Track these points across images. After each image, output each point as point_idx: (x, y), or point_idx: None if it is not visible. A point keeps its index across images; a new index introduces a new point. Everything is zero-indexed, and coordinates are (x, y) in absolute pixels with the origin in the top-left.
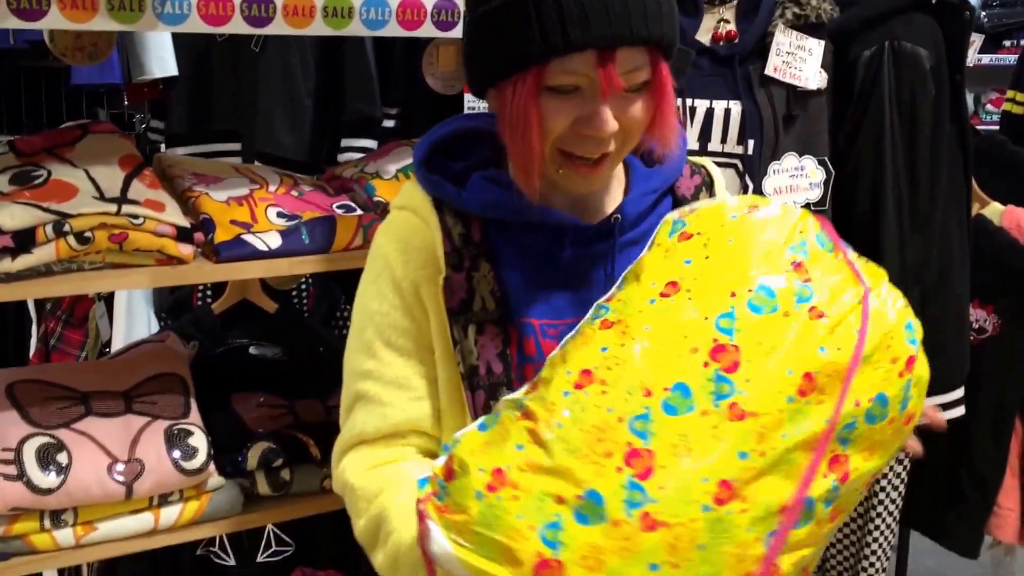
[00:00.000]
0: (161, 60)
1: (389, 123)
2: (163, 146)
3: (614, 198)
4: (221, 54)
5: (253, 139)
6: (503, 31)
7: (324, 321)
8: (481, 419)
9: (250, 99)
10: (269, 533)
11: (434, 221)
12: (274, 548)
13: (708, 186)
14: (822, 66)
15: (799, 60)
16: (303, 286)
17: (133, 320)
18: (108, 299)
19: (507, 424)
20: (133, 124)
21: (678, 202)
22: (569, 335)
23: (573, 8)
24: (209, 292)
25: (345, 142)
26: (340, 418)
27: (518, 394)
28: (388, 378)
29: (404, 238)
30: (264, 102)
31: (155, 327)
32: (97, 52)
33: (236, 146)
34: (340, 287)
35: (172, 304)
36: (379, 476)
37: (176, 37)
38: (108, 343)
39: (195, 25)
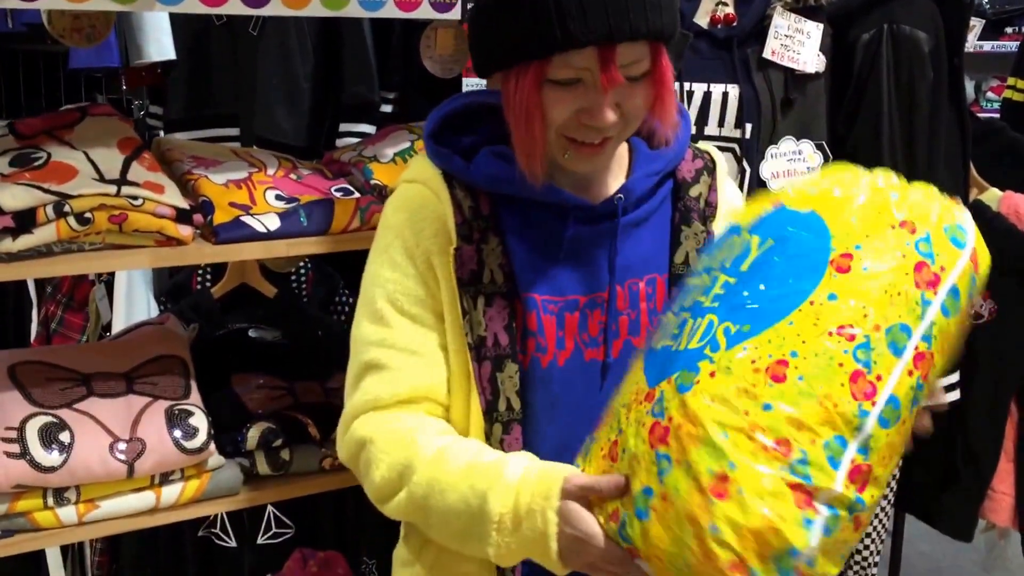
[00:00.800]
0: (159, 44)
1: (387, 107)
2: (162, 132)
3: (617, 179)
4: (219, 38)
5: (252, 124)
6: (505, 23)
7: (322, 306)
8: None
9: (248, 84)
10: (269, 515)
11: (445, 194)
12: (275, 530)
13: (710, 171)
14: (820, 49)
15: (797, 43)
16: (302, 271)
17: (133, 303)
18: (108, 282)
19: None
20: (131, 110)
21: (679, 185)
22: None
23: (571, 5)
24: (208, 276)
25: (343, 126)
26: (346, 390)
27: None
28: (401, 345)
29: (415, 209)
30: (262, 87)
31: (155, 311)
32: (95, 34)
33: (235, 131)
34: (339, 272)
35: (171, 288)
36: (395, 427)
37: (174, 21)
38: (108, 325)
39: (192, 5)
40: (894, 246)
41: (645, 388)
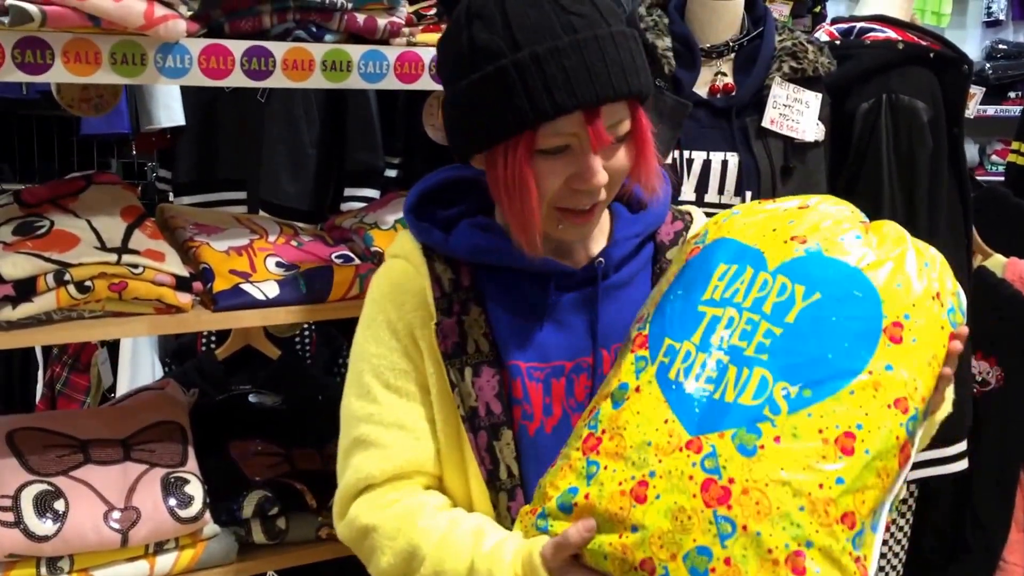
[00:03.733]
0: (168, 110)
1: (391, 172)
2: (171, 195)
3: (598, 243)
4: (227, 104)
5: (258, 188)
6: (488, 101)
7: (326, 368)
8: None
9: (255, 149)
10: None
11: (424, 268)
12: None
13: (688, 230)
14: (819, 118)
15: (796, 112)
16: (306, 333)
17: (138, 365)
18: (112, 345)
19: None
20: (145, 172)
21: (659, 248)
22: None
23: (557, 74)
24: (213, 338)
25: (348, 191)
26: (338, 465)
27: None
28: (388, 420)
29: (397, 283)
30: (268, 152)
31: (159, 373)
32: (103, 103)
33: (242, 195)
34: (342, 334)
35: (176, 350)
36: (396, 513)
37: (184, 87)
38: (111, 388)
39: (196, 79)
40: (935, 317)
41: (684, 434)
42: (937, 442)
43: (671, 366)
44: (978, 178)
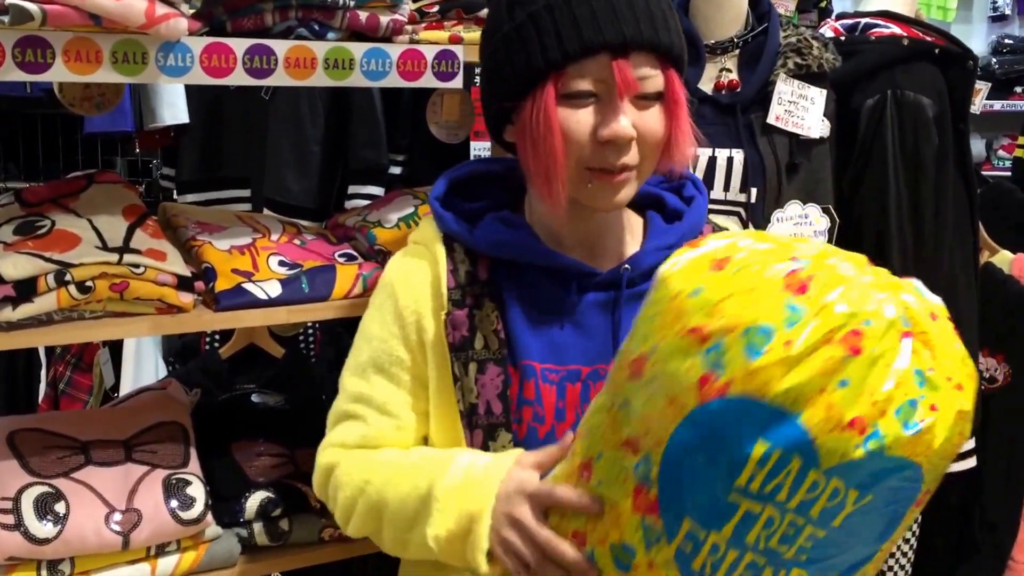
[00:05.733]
0: (173, 107)
1: (396, 170)
2: (175, 192)
3: (627, 248)
4: (231, 102)
5: (262, 186)
6: (519, 47)
7: (331, 367)
8: None
9: (259, 147)
10: None
11: (442, 256)
12: None
13: None
14: (825, 114)
15: (801, 109)
16: (310, 332)
17: (141, 365)
18: (115, 344)
19: None
20: (150, 170)
21: None
22: None
23: (585, 12)
24: (217, 337)
25: (352, 189)
26: (327, 424)
27: None
28: (376, 403)
29: (412, 270)
30: (273, 150)
31: (163, 372)
32: (105, 102)
33: (246, 192)
34: (347, 333)
35: (180, 349)
36: (360, 453)
37: (188, 86)
38: (114, 388)
39: (198, 77)
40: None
41: None
42: None
43: (695, 555)
44: (984, 173)
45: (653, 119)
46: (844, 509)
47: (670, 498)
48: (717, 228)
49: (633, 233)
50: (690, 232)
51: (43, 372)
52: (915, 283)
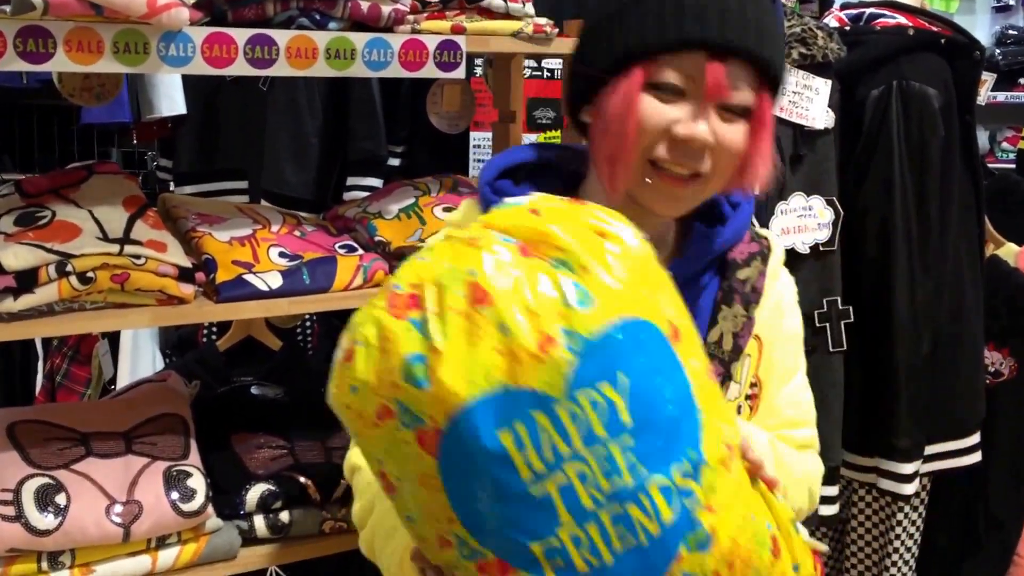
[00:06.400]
0: (170, 99)
1: (395, 161)
2: (171, 184)
3: (664, 256)
4: (229, 93)
5: (260, 178)
6: (619, 24)
7: (329, 359)
8: None
9: (257, 138)
10: (272, 573)
11: None
12: None
13: (764, 257)
14: (829, 105)
15: (806, 100)
16: (308, 325)
17: (138, 357)
18: (113, 336)
19: None
20: (145, 162)
21: (728, 265)
22: None
23: (692, 5)
24: (214, 330)
25: (351, 180)
26: None
27: None
28: None
29: None
30: (271, 141)
31: (160, 364)
32: (104, 93)
33: (243, 184)
34: (344, 326)
35: (177, 341)
36: None
37: (185, 77)
38: (112, 380)
39: (199, 67)
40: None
41: None
42: (950, 434)
43: (571, 561)
44: (988, 165)
45: (735, 133)
46: (617, 405)
47: (504, 548)
48: (757, 237)
49: (677, 235)
50: (731, 239)
51: (40, 364)
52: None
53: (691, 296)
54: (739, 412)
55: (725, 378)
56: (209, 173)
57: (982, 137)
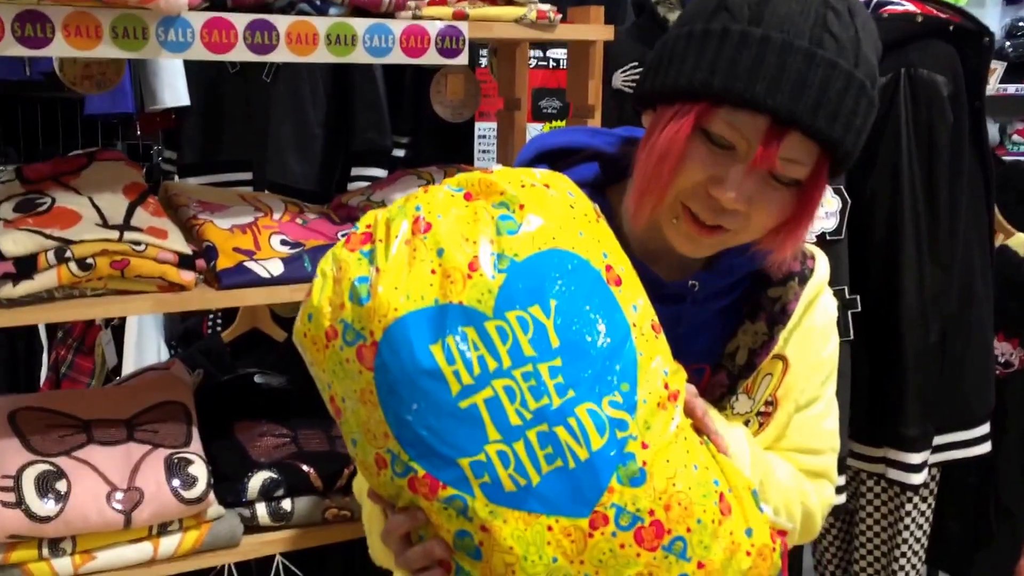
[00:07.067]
0: (173, 90)
1: (399, 152)
2: (176, 176)
3: (700, 262)
4: (233, 84)
5: (264, 169)
6: (698, 55)
7: None
8: None
9: (261, 129)
10: (278, 564)
11: None
12: None
13: (803, 280)
14: None
15: None
16: None
17: (143, 348)
18: (118, 328)
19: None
20: (151, 155)
21: (760, 280)
22: None
23: (771, 67)
24: (219, 321)
25: (355, 171)
26: None
27: None
28: None
29: None
30: (275, 132)
31: (165, 355)
32: (105, 81)
33: (248, 176)
34: None
35: (182, 333)
36: None
37: (189, 68)
38: (115, 370)
39: (199, 53)
40: (599, 228)
41: (581, 523)
42: (959, 424)
43: (498, 479)
44: (1001, 158)
45: (775, 203)
46: (546, 328)
47: (433, 463)
48: (803, 256)
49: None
50: (768, 256)
51: (44, 356)
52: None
53: (716, 310)
54: (747, 425)
55: (728, 391)
56: (213, 165)
57: (993, 129)
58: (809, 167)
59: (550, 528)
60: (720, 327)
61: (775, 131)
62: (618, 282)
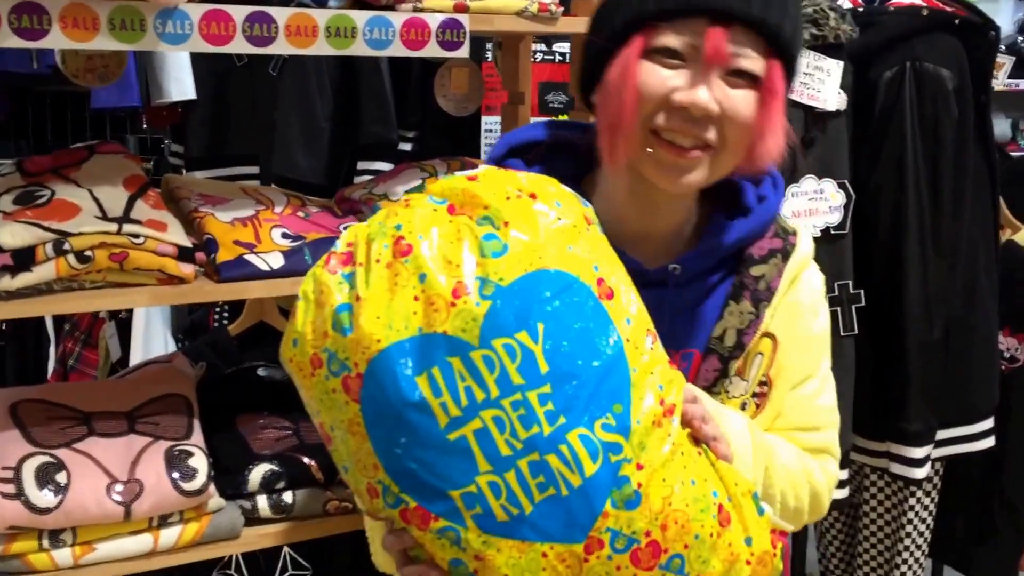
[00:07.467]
0: (180, 84)
1: (406, 146)
2: (184, 170)
3: (685, 244)
4: (239, 78)
5: (271, 163)
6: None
7: None
8: None
9: (268, 123)
10: (285, 556)
11: None
12: (291, 571)
13: (785, 255)
14: (841, 87)
15: (817, 81)
16: None
17: (150, 341)
18: (126, 320)
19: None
20: (161, 149)
21: (744, 260)
22: None
23: None
24: (226, 314)
25: (362, 165)
26: None
27: None
28: None
29: None
30: (281, 126)
31: (172, 348)
32: (108, 73)
33: (255, 169)
34: None
35: (189, 326)
36: None
37: (195, 61)
38: (122, 362)
39: (197, 45)
40: (593, 235)
41: (576, 549)
42: (963, 419)
43: (490, 510)
44: (1011, 154)
45: (743, 101)
46: (535, 354)
47: (423, 495)
48: (783, 232)
49: (695, 227)
50: (751, 234)
51: (52, 348)
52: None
53: (700, 293)
54: (744, 408)
55: (722, 374)
56: (220, 158)
57: (1004, 125)
58: (760, 60)
59: (544, 555)
60: (705, 311)
61: (716, 27)
62: (610, 295)
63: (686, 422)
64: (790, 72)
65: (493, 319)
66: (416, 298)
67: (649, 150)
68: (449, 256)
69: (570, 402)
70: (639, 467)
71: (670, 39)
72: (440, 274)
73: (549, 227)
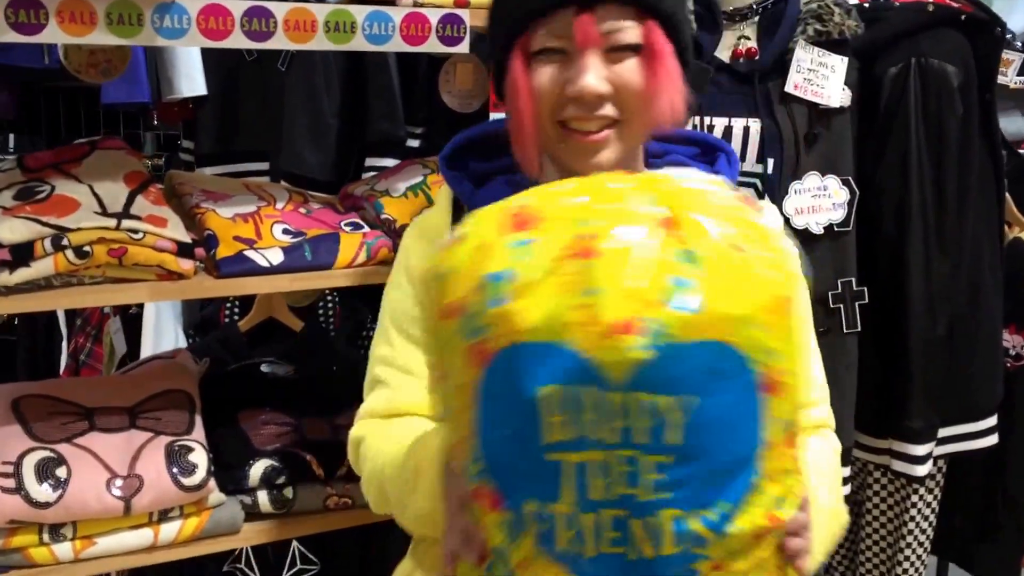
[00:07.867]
0: (191, 80)
1: (414, 142)
2: (195, 166)
3: None
4: (249, 74)
5: (280, 159)
6: (500, 6)
7: (350, 340)
8: None
9: (277, 119)
10: (294, 550)
11: (448, 218)
12: (299, 566)
13: None
14: (846, 83)
15: (821, 77)
16: (329, 305)
17: (161, 337)
18: (136, 315)
19: None
20: (177, 145)
21: None
22: None
23: None
24: (237, 310)
25: (369, 161)
26: (364, 394)
27: None
28: (398, 364)
29: (425, 230)
30: (289, 122)
31: (183, 343)
32: (111, 68)
33: (264, 165)
34: (367, 306)
35: (200, 321)
36: (389, 434)
37: (205, 57)
38: (130, 358)
39: (195, 39)
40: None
41: None
42: (966, 417)
43: (554, 535)
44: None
45: (629, 71)
46: (671, 423)
47: (504, 483)
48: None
49: None
50: None
51: (64, 343)
52: (667, 173)
53: None
54: None
55: None
56: (230, 154)
57: (1019, 123)
58: (636, 27)
59: None
60: None
61: (583, 14)
62: (773, 388)
63: (789, 552)
64: (673, 27)
65: (650, 371)
66: (579, 306)
67: (562, 145)
68: (630, 284)
69: (681, 482)
70: (715, 567)
71: (546, 39)
72: (616, 295)
73: (746, 296)
